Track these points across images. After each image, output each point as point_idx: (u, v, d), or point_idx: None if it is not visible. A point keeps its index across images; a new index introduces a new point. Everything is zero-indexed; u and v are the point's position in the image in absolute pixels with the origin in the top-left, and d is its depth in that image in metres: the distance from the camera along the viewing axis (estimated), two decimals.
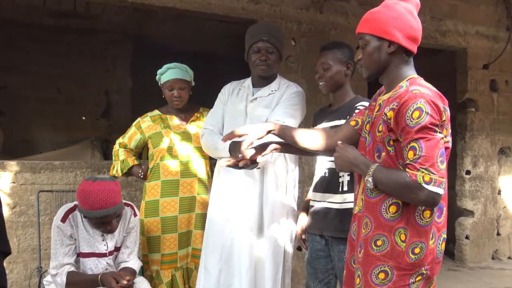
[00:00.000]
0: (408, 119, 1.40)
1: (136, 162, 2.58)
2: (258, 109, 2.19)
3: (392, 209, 1.47)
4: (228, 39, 5.36)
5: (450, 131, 1.49)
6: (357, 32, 1.59)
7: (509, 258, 5.02)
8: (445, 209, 1.53)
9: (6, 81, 5.45)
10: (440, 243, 1.51)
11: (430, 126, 1.38)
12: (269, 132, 1.73)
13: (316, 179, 2.15)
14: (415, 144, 1.39)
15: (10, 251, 1.62)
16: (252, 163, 1.76)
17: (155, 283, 2.45)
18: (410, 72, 1.55)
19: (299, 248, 3.35)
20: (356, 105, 1.99)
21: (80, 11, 5.02)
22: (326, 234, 2.04)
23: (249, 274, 2.12)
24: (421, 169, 1.37)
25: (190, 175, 2.50)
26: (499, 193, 5.03)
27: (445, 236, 1.54)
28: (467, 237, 4.80)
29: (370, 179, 1.48)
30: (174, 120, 2.60)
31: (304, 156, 2.25)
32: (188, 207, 2.48)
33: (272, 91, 2.22)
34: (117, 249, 2.26)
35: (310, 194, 2.21)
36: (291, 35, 3.77)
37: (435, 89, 1.49)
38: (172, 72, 2.53)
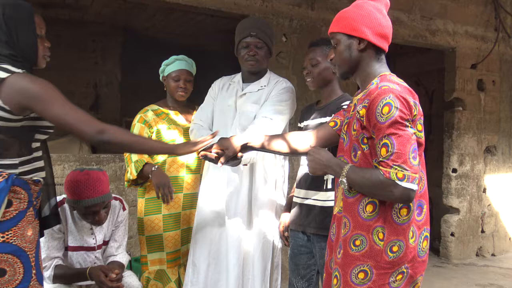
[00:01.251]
0: (378, 115, 1.41)
1: (150, 160, 2.38)
2: (247, 104, 2.19)
3: (369, 208, 1.48)
4: (219, 34, 5.34)
5: (423, 126, 1.49)
6: (329, 32, 1.61)
7: (492, 255, 5.12)
8: (425, 207, 1.53)
9: None
10: (421, 241, 1.50)
11: (401, 120, 1.39)
12: (244, 145, 1.80)
13: (299, 175, 2.15)
14: (387, 141, 1.39)
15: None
16: (233, 159, 1.80)
17: (153, 284, 2.36)
18: (383, 69, 1.56)
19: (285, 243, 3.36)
20: (342, 104, 1.98)
21: (69, 2, 4.95)
22: (309, 231, 2.05)
23: (236, 269, 2.12)
24: (394, 166, 1.38)
25: (195, 171, 2.45)
26: (484, 191, 5.11)
27: (427, 235, 1.53)
28: (452, 234, 4.87)
29: (344, 180, 1.50)
30: (178, 115, 2.52)
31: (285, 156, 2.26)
32: (190, 203, 2.44)
33: (261, 86, 2.21)
34: (106, 243, 2.24)
35: (294, 191, 2.22)
36: (283, 31, 3.77)
37: (405, 84, 1.50)
38: (180, 63, 2.49)
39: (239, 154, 1.81)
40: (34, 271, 1.48)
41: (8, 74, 1.46)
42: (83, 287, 2.21)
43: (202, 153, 1.80)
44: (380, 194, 1.44)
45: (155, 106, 2.52)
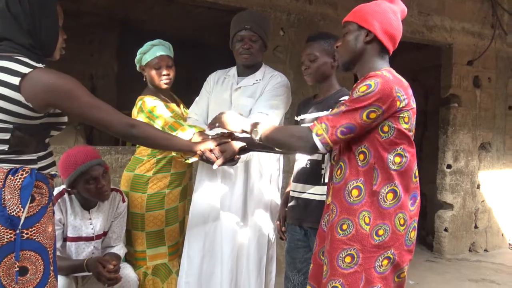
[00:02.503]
0: (354, 91, 1.50)
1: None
2: (242, 98, 2.18)
3: (354, 192, 1.54)
4: (216, 27, 5.31)
5: (410, 120, 1.53)
6: (343, 21, 1.66)
7: (485, 250, 5.16)
8: (419, 198, 1.59)
9: None
10: (410, 231, 1.56)
11: (364, 103, 1.45)
12: (243, 147, 1.87)
13: (296, 169, 2.15)
14: (337, 108, 1.52)
15: None
16: (230, 161, 1.85)
17: (150, 279, 2.34)
18: (385, 66, 1.61)
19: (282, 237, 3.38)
20: (339, 99, 1.98)
21: None
22: (306, 225, 2.06)
23: (230, 262, 2.12)
24: (322, 123, 1.51)
25: (190, 165, 2.40)
26: (478, 187, 5.15)
27: (416, 225, 1.59)
28: (445, 230, 4.91)
29: (257, 130, 1.65)
30: (175, 108, 2.43)
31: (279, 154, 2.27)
32: (184, 194, 2.43)
33: (256, 80, 2.21)
34: (105, 233, 2.24)
35: (290, 185, 2.22)
36: (280, 25, 3.76)
37: (402, 78, 1.56)
38: (158, 49, 2.34)
39: (237, 157, 1.86)
40: (51, 268, 1.46)
41: (29, 69, 1.40)
42: (79, 278, 2.22)
43: (199, 152, 1.83)
44: (290, 141, 1.59)
45: (150, 98, 2.35)
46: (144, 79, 2.43)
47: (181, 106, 2.52)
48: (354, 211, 1.53)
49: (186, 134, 2.05)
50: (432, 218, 5.12)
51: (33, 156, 1.45)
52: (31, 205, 1.40)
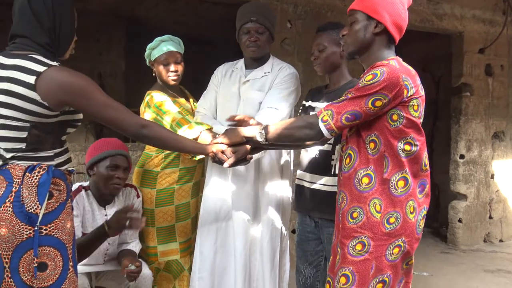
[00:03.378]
0: (361, 81, 1.51)
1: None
2: (251, 91, 2.17)
3: (365, 180, 1.55)
4: (223, 23, 5.30)
5: (419, 108, 1.54)
6: (349, 9, 1.64)
7: (500, 241, 5.10)
8: (427, 186, 1.59)
9: None
10: (420, 219, 1.56)
11: (370, 91, 1.46)
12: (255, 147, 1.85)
13: (306, 159, 2.13)
14: (344, 96, 1.53)
15: None
16: (241, 161, 1.84)
17: (162, 275, 2.34)
18: (391, 55, 1.60)
19: (293, 231, 3.37)
20: None
21: None
22: (315, 216, 2.05)
23: (243, 257, 2.11)
24: (328, 110, 1.54)
25: (200, 160, 2.36)
26: (492, 177, 5.07)
27: (425, 213, 1.59)
28: (459, 220, 4.85)
29: (262, 132, 1.68)
30: (184, 103, 2.41)
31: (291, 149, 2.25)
32: (197, 191, 2.42)
33: (265, 73, 2.19)
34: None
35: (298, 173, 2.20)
36: (287, 17, 3.73)
37: (409, 67, 1.56)
38: (167, 44, 2.32)
39: (249, 156, 1.85)
40: (71, 263, 1.47)
41: (44, 68, 1.40)
42: (93, 274, 2.22)
43: (211, 154, 1.82)
44: (297, 131, 1.63)
45: (158, 93, 2.34)
46: (153, 74, 2.43)
47: (191, 100, 2.50)
48: (365, 198, 1.54)
49: (193, 131, 2.05)
50: (445, 209, 5.06)
51: (50, 153, 1.46)
52: (49, 201, 1.41)
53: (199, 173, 2.43)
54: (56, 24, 1.46)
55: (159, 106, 2.25)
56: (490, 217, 5.06)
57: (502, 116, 5.08)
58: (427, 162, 1.59)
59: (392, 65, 1.49)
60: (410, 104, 1.50)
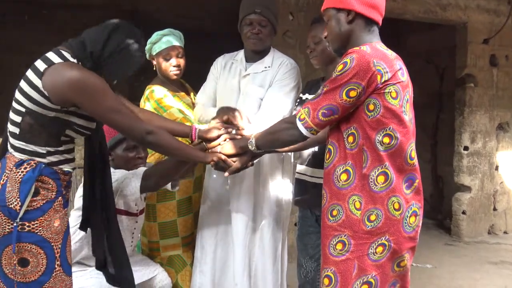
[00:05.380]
0: (334, 72, 1.46)
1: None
2: (251, 86, 2.15)
3: (343, 176, 1.49)
4: (225, 16, 5.26)
5: (399, 94, 1.44)
6: (321, 10, 1.62)
7: (505, 232, 5.08)
8: (417, 181, 1.50)
9: (2, 60, 5.38)
10: (408, 216, 1.46)
11: (341, 81, 1.41)
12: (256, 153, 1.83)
13: (306, 153, 2.12)
14: (323, 89, 1.48)
15: None
16: (242, 169, 1.85)
17: (167, 270, 2.31)
18: (374, 39, 1.54)
19: (296, 224, 3.37)
20: None
21: None
22: (316, 210, 2.04)
23: (241, 250, 2.10)
24: (305, 107, 1.50)
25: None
26: (496, 168, 5.04)
27: (416, 210, 1.48)
28: (463, 212, 4.84)
29: (252, 140, 1.67)
30: (185, 97, 2.39)
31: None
32: (199, 185, 2.40)
33: (265, 67, 2.16)
34: (142, 211, 2.19)
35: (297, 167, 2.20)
36: (289, 9, 3.71)
37: (386, 51, 1.48)
38: (167, 39, 2.30)
39: (250, 163, 1.85)
40: (58, 262, 1.46)
41: (60, 60, 1.43)
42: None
43: (212, 163, 1.82)
44: (281, 135, 1.60)
45: (161, 87, 2.34)
46: (154, 69, 2.41)
47: (192, 94, 2.50)
48: (343, 196, 1.47)
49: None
50: (449, 201, 5.04)
51: (42, 150, 1.46)
52: (34, 198, 1.42)
53: (200, 168, 2.43)
54: (104, 56, 1.50)
55: (159, 102, 2.24)
56: (494, 209, 5.04)
57: (507, 107, 5.03)
58: (413, 154, 1.49)
59: (362, 50, 1.42)
60: (386, 91, 1.41)
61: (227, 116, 1.95)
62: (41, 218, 1.43)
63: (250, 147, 1.71)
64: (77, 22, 5.70)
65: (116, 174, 1.93)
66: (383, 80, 1.40)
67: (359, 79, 1.39)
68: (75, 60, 1.47)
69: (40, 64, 1.43)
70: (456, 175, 4.89)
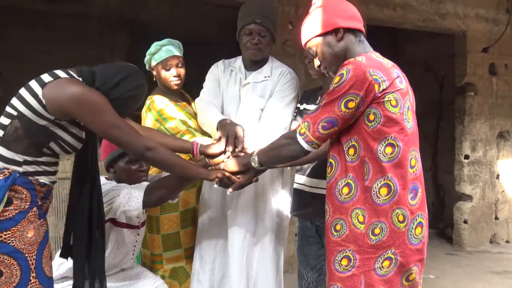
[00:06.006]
0: (331, 84, 1.45)
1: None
2: (252, 96, 2.14)
3: (345, 190, 1.46)
4: (225, 25, 5.28)
5: (398, 102, 1.42)
6: (304, 46, 1.61)
7: (507, 242, 5.05)
8: (420, 190, 1.47)
9: (2, 67, 5.39)
10: (414, 227, 1.42)
11: (339, 93, 1.40)
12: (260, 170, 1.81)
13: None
14: (321, 102, 1.47)
15: None
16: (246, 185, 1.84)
17: (168, 282, 2.26)
18: (367, 49, 1.54)
19: (296, 235, 3.35)
20: None
21: None
22: (316, 220, 2.03)
23: (240, 262, 2.07)
24: (305, 122, 1.48)
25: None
26: (497, 177, 5.03)
27: (422, 221, 1.45)
28: (465, 222, 4.81)
29: (255, 157, 1.65)
30: (186, 107, 2.36)
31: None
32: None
33: (265, 77, 2.15)
34: (143, 223, 2.15)
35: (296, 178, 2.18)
36: (289, 18, 3.71)
37: (382, 60, 1.47)
38: (167, 49, 2.28)
39: (254, 179, 1.82)
40: (33, 274, 1.43)
41: (66, 76, 1.49)
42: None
43: (217, 180, 1.80)
44: (282, 151, 1.57)
45: (163, 97, 2.31)
46: (154, 79, 2.39)
47: (192, 104, 2.48)
48: (346, 209, 1.45)
49: (197, 139, 2.03)
50: (450, 210, 5.02)
51: (19, 157, 1.45)
52: (6, 208, 1.41)
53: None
54: (108, 97, 1.54)
55: (160, 113, 2.22)
56: (496, 218, 5.01)
57: (507, 115, 5.03)
58: (413, 163, 1.45)
59: (358, 61, 1.41)
60: (385, 99, 1.39)
61: (231, 135, 1.90)
62: (13, 228, 1.41)
63: (253, 164, 1.69)
64: (77, 30, 5.74)
65: (119, 189, 1.91)
66: (381, 89, 1.39)
67: (356, 90, 1.38)
68: (80, 79, 1.53)
69: (45, 77, 1.47)
70: (457, 184, 4.87)
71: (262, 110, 2.13)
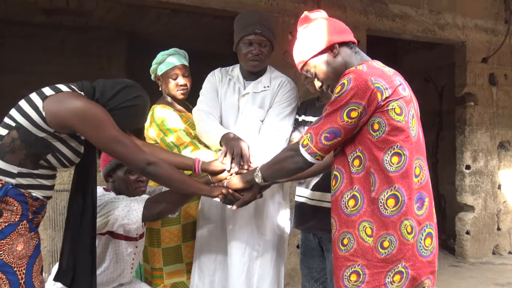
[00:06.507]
0: (333, 94, 1.43)
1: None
2: (251, 107, 2.10)
3: (351, 202, 1.43)
4: (224, 36, 5.29)
5: (403, 110, 1.38)
6: (300, 69, 1.59)
7: (509, 253, 5.00)
8: (427, 200, 1.42)
9: (0, 80, 5.37)
10: (423, 238, 1.38)
11: (340, 103, 1.37)
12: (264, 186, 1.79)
13: None
14: (323, 112, 1.44)
15: None
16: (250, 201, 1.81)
17: None
18: (365, 58, 1.53)
19: (298, 246, 3.30)
20: None
21: (72, 8, 4.94)
22: (318, 233, 1.99)
23: (241, 276, 2.01)
24: (308, 133, 1.46)
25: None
26: (499, 187, 4.99)
27: (431, 231, 1.41)
28: (467, 232, 4.77)
29: (259, 173, 1.63)
30: (190, 117, 2.29)
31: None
32: None
33: (264, 87, 2.11)
34: (143, 234, 2.13)
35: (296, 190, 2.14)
36: (288, 29, 3.70)
37: (383, 68, 1.45)
38: (173, 58, 2.26)
39: (258, 195, 1.80)
40: None
41: (67, 90, 1.48)
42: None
43: (221, 197, 1.77)
44: (285, 164, 1.54)
45: (168, 107, 2.27)
46: (160, 89, 2.36)
47: None
48: (353, 222, 1.40)
49: (199, 154, 2.01)
50: (452, 221, 4.97)
51: (14, 169, 1.42)
52: None
53: None
54: (107, 107, 1.54)
55: (162, 123, 2.19)
56: (498, 229, 4.97)
57: (508, 125, 5.01)
58: (418, 171, 1.40)
59: (359, 70, 1.39)
60: (389, 108, 1.36)
61: (237, 153, 1.85)
62: (2, 241, 1.38)
63: (257, 180, 1.66)
64: (76, 42, 5.74)
65: (118, 202, 1.87)
66: (384, 97, 1.36)
67: (358, 99, 1.35)
68: (82, 93, 1.53)
69: (47, 90, 1.45)
70: (459, 194, 4.84)
71: (262, 121, 2.10)
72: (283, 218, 2.15)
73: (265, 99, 2.11)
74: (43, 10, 5.03)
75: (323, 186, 1.98)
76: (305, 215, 2.06)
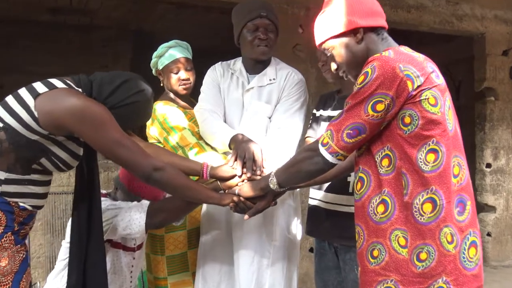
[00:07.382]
0: (355, 85, 1.27)
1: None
2: (258, 103, 1.96)
3: (380, 208, 1.26)
4: (231, 32, 5.19)
5: (438, 100, 1.22)
6: (318, 46, 1.43)
7: None
8: (469, 203, 1.25)
9: (3, 80, 5.35)
10: (466, 248, 1.21)
11: (363, 95, 1.22)
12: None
13: None
14: (344, 106, 1.29)
15: None
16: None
17: None
18: (392, 45, 1.35)
19: (311, 250, 3.18)
20: None
21: (76, 6, 4.91)
22: (333, 242, 1.85)
23: (251, 287, 1.87)
24: (328, 130, 1.31)
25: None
26: None
27: (475, 240, 1.24)
28: (488, 234, 4.60)
29: (274, 179, 1.48)
30: (194, 114, 2.19)
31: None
32: None
33: (270, 80, 1.97)
34: (141, 244, 2.02)
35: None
36: (299, 21, 3.55)
37: (413, 53, 1.28)
38: (175, 51, 2.11)
39: (273, 203, 1.65)
40: None
41: (63, 86, 1.32)
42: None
43: (232, 205, 1.63)
44: (304, 161, 1.38)
45: (172, 103, 2.15)
46: (161, 84, 2.22)
47: None
48: (383, 231, 1.24)
49: (206, 157, 1.88)
50: None
51: (0, 175, 1.27)
52: None
53: None
54: (106, 102, 1.40)
55: (164, 120, 2.05)
56: None
57: None
58: (456, 171, 1.24)
59: (384, 56, 1.23)
60: (422, 98, 1.19)
61: (249, 157, 1.71)
62: None
63: (271, 186, 1.50)
64: (81, 41, 5.71)
65: (117, 210, 1.76)
66: (415, 86, 1.19)
67: (385, 89, 1.19)
68: (79, 90, 1.36)
69: (39, 86, 1.30)
70: (479, 194, 4.67)
71: (269, 118, 1.95)
72: (294, 222, 1.99)
73: (271, 93, 1.96)
74: (47, 9, 5.00)
75: (338, 188, 1.83)
76: (318, 220, 1.90)
